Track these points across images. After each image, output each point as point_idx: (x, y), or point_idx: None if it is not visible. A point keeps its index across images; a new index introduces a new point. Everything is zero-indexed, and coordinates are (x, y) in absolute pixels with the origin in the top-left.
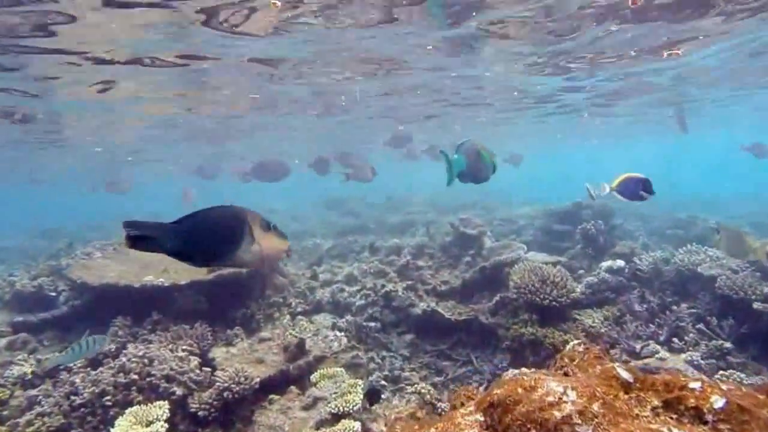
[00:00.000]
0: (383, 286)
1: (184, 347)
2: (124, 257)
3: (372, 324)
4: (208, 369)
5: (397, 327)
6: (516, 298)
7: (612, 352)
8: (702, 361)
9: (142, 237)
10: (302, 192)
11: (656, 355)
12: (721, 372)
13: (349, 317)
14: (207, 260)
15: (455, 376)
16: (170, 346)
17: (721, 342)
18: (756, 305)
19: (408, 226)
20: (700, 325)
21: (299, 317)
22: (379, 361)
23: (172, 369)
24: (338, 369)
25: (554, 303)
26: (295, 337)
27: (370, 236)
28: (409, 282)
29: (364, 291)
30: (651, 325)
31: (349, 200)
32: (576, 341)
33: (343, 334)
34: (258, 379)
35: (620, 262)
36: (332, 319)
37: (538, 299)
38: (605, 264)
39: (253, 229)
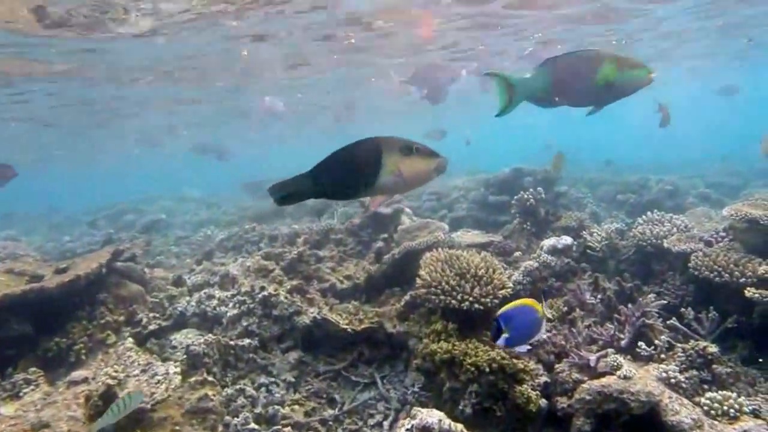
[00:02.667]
0: (262, 288)
1: None
2: None
3: (245, 342)
4: None
5: (281, 342)
6: (427, 299)
7: (558, 367)
8: (680, 376)
9: (287, 195)
10: (223, 176)
11: (618, 372)
12: (708, 395)
13: (209, 336)
14: (349, 195)
15: (353, 407)
16: None
17: (702, 345)
18: (749, 292)
19: (328, 206)
20: (673, 320)
21: (153, 339)
22: (253, 392)
23: None
24: None
25: (477, 306)
26: (111, 378)
27: (287, 220)
28: (298, 281)
29: (238, 297)
30: (609, 325)
31: (268, 182)
32: None
33: (177, 366)
34: None
35: (566, 239)
36: (198, 337)
37: (454, 301)
38: (548, 242)
39: (389, 156)
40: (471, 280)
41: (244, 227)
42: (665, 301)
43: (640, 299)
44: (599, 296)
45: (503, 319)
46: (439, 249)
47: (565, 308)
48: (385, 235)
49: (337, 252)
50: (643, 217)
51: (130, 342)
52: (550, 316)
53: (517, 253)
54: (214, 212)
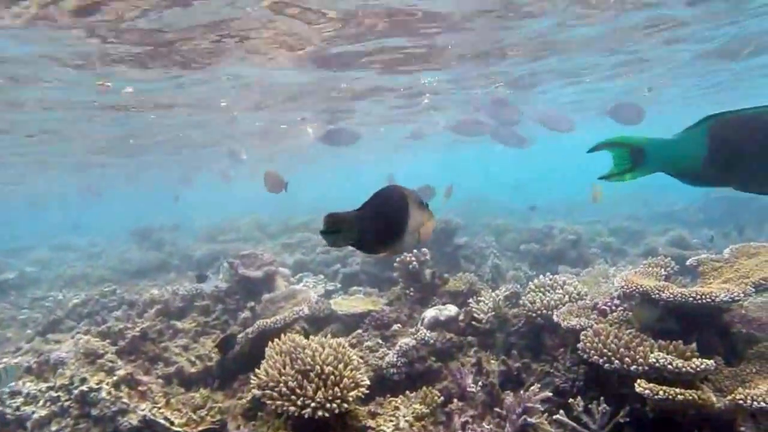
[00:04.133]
0: (83, 380)
1: None
2: None
3: None
4: None
5: None
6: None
7: None
8: None
9: (337, 232)
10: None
11: None
12: None
13: None
14: (379, 247)
15: None
16: None
17: None
18: (639, 386)
19: (215, 259)
20: (560, 414)
21: None
22: None
23: None
24: None
25: (322, 413)
26: None
27: (171, 275)
28: (136, 366)
29: (52, 392)
30: (489, 420)
31: (160, 229)
32: None
33: None
34: None
35: (450, 310)
36: None
37: (293, 407)
38: (429, 314)
39: (413, 209)
40: (315, 379)
41: (102, 290)
42: (549, 394)
43: (521, 392)
44: (481, 382)
45: None
46: (285, 337)
47: (442, 398)
48: (254, 303)
49: (196, 324)
50: (535, 281)
51: None
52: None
53: (396, 326)
54: (93, 264)
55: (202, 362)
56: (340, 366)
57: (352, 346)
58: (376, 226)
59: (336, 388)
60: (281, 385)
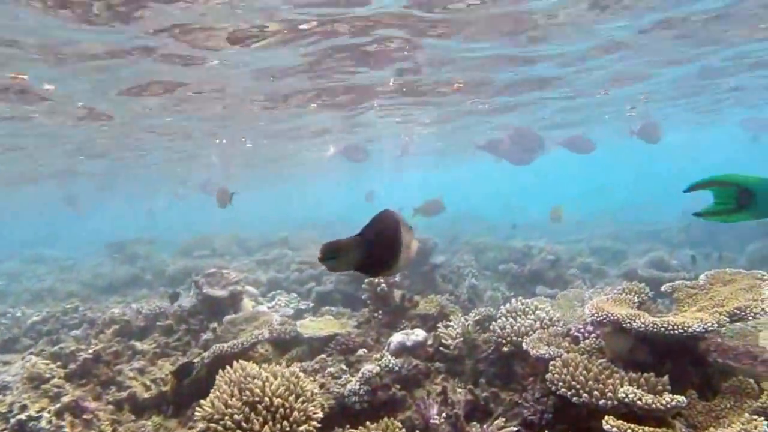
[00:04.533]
0: (23, 407)
1: None
2: None
3: None
4: None
5: None
6: None
7: None
8: None
9: (336, 257)
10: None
11: None
12: None
13: None
14: (379, 269)
15: None
16: None
17: None
18: (607, 423)
19: (188, 275)
20: None
21: None
22: None
23: None
24: None
25: None
26: None
27: (143, 291)
28: (85, 391)
29: None
30: None
31: (135, 243)
32: None
33: None
34: None
35: (418, 335)
36: None
37: None
38: (395, 339)
39: (404, 230)
40: (263, 412)
41: (65, 307)
42: (515, 429)
43: (486, 426)
44: (446, 412)
45: None
46: (237, 364)
47: (404, 431)
48: (215, 325)
49: (156, 345)
50: (506, 306)
51: None
52: None
53: (362, 351)
54: (64, 278)
55: (158, 387)
56: (291, 398)
57: (315, 371)
58: (378, 249)
59: (285, 422)
60: (227, 418)
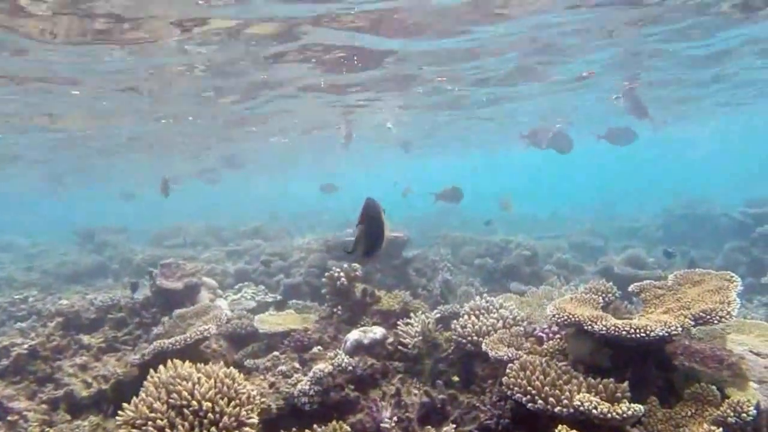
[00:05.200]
0: None
1: None
2: None
3: None
4: None
5: None
6: None
7: None
8: None
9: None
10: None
11: None
12: None
13: None
14: (371, 255)
15: None
16: None
17: None
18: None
19: (155, 265)
20: None
21: None
22: None
23: None
24: None
25: None
26: None
27: (108, 281)
28: (17, 389)
29: None
30: None
31: (105, 231)
32: None
33: None
34: None
35: (376, 333)
36: None
37: None
38: (352, 336)
39: (384, 218)
40: (190, 417)
41: (13, 297)
42: (481, 415)
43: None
44: (398, 415)
45: None
46: (170, 363)
47: None
48: (167, 318)
49: (103, 339)
50: (470, 304)
51: None
52: None
53: (317, 348)
54: (28, 266)
55: (99, 384)
56: (222, 402)
57: (267, 369)
58: (374, 236)
59: (213, 429)
60: (149, 423)
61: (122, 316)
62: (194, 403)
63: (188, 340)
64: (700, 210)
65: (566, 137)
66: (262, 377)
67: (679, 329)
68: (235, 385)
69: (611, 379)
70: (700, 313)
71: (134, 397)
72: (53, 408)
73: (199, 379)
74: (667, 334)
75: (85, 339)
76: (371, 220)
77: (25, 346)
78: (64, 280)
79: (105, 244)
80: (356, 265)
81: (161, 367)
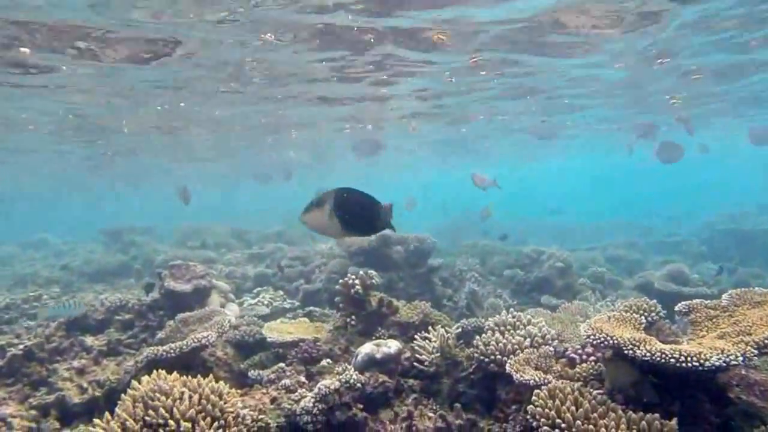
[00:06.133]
0: None
1: None
2: None
3: None
4: None
5: None
6: None
7: None
8: None
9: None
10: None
11: None
12: None
13: None
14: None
15: None
16: None
17: None
18: None
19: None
20: None
21: None
22: None
23: None
24: None
25: None
26: None
27: (131, 281)
28: (10, 392)
29: None
30: None
31: (131, 230)
32: None
33: None
34: None
35: (390, 347)
36: None
37: None
38: (364, 350)
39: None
40: None
41: (28, 294)
42: None
43: None
44: None
45: None
46: (154, 374)
47: None
48: (172, 322)
49: (106, 341)
50: (494, 319)
51: None
52: None
53: (326, 361)
54: (52, 264)
55: (93, 391)
56: (204, 422)
57: (270, 382)
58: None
59: None
60: None
61: (130, 318)
62: (171, 423)
63: (184, 348)
64: (747, 225)
65: (677, 146)
66: (264, 390)
67: (740, 359)
68: (221, 402)
69: (656, 415)
70: (765, 341)
71: (106, 412)
72: (44, 414)
73: (181, 394)
74: (724, 364)
75: (89, 341)
76: (350, 193)
77: (21, 346)
78: (88, 278)
79: (132, 244)
80: (372, 272)
81: (145, 377)
